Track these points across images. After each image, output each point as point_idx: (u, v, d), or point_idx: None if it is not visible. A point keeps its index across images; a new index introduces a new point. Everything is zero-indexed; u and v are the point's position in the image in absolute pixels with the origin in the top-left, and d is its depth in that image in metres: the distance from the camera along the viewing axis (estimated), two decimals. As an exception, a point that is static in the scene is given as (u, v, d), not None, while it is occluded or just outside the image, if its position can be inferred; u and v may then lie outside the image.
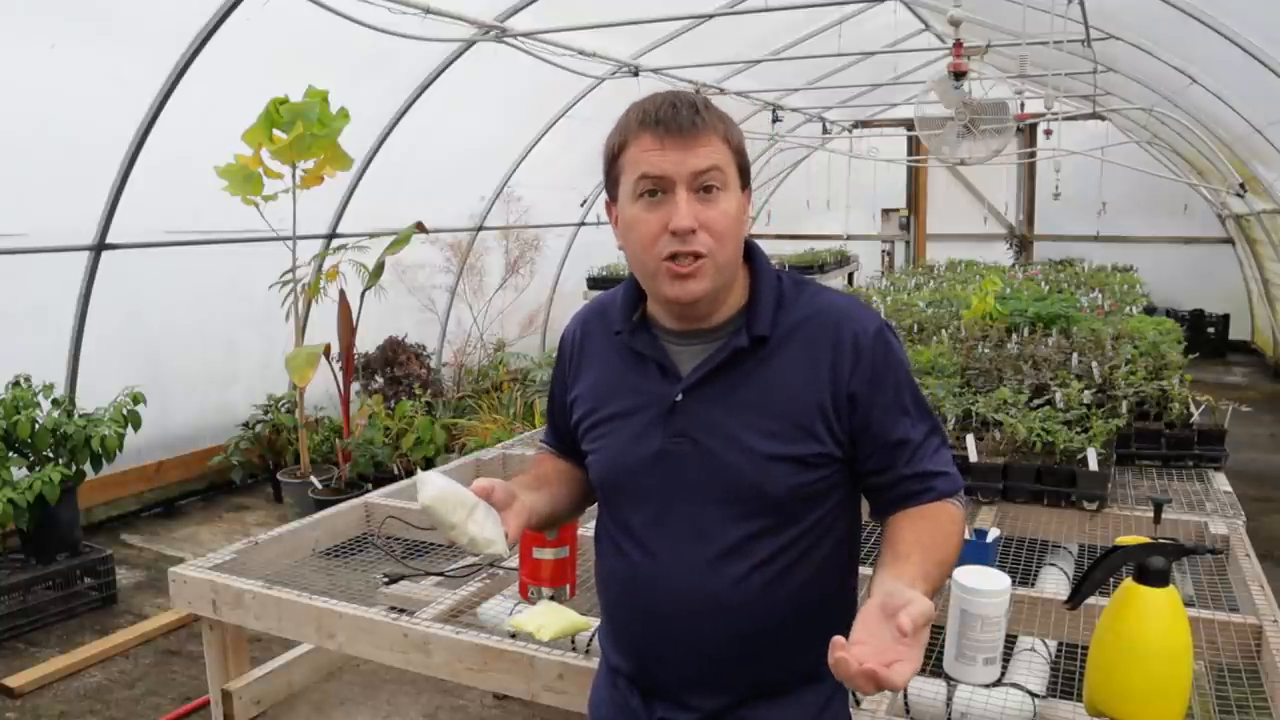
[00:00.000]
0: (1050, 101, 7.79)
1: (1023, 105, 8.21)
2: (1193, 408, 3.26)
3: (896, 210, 13.25)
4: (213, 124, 4.90)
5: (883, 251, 13.37)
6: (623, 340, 1.45)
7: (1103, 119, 10.14)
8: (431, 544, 2.90)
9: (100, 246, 5.06)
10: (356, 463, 5.25)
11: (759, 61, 7.79)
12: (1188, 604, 2.01)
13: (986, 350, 4.06)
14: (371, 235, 5.58)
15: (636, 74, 6.80)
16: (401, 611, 2.33)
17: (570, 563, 2.30)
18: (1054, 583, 2.61)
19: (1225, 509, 2.80)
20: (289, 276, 5.12)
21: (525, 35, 5.62)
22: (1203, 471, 3.19)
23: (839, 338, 1.37)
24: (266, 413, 5.98)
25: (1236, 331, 10.96)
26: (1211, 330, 10.86)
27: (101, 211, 4.99)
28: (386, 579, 2.62)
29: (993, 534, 2.35)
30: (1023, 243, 12.41)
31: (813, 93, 9.87)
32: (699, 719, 1.43)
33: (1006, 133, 7.14)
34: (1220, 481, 3.09)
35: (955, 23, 5.01)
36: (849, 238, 12.76)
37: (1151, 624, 1.57)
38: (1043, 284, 7.14)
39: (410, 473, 5.00)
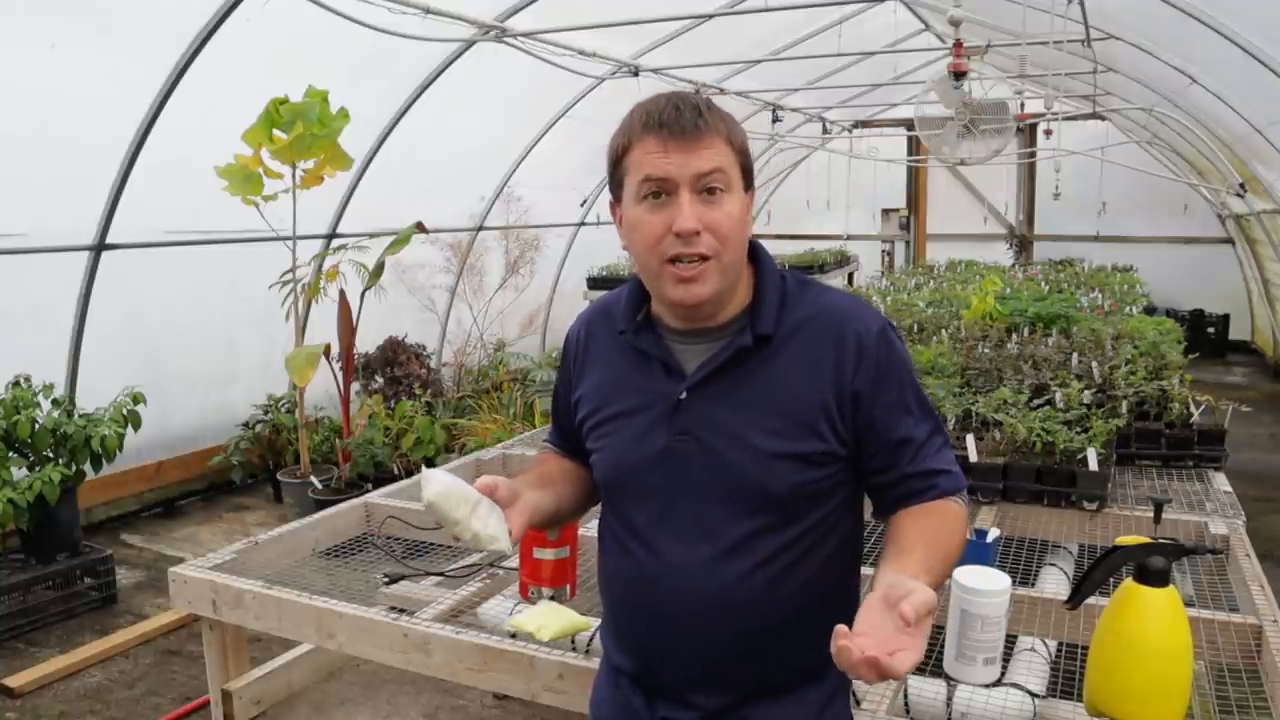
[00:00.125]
0: (1050, 101, 7.79)
1: (1023, 105, 8.21)
2: (1193, 408, 3.26)
3: (896, 210, 13.25)
4: (213, 124, 4.90)
5: (883, 251, 13.37)
6: (627, 339, 1.46)
7: (1103, 119, 10.14)
8: (431, 544, 2.90)
9: (100, 246, 5.06)
10: (356, 463, 5.25)
11: (759, 61, 7.79)
12: (1188, 604, 2.01)
13: (986, 350, 4.06)
14: (371, 235, 5.58)
15: (636, 74, 6.79)
16: (401, 611, 2.32)
17: (571, 563, 2.30)
18: (1054, 583, 2.61)
19: (1225, 509, 2.80)
20: (289, 276, 5.12)
21: (525, 35, 5.62)
22: (1203, 471, 3.18)
23: (842, 337, 1.37)
24: (266, 413, 5.98)
25: (1236, 331, 10.96)
26: (1211, 330, 10.86)
27: (101, 211, 4.99)
28: (386, 579, 2.62)
29: (993, 534, 2.35)
30: (1023, 243, 12.41)
31: (813, 93, 9.87)
32: (701, 717, 1.43)
33: (1006, 133, 7.14)
34: (1220, 481, 3.08)
35: (955, 23, 5.01)
36: (849, 238, 12.76)
37: (1151, 624, 1.57)
38: (1043, 284, 7.14)
39: (410, 473, 5.00)
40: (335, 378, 5.39)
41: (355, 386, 5.95)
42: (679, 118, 1.29)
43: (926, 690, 1.90)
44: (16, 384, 4.29)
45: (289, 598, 2.38)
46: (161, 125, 4.88)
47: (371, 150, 6.32)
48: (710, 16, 6.79)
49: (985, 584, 1.82)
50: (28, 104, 4.42)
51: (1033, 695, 1.87)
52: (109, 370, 5.03)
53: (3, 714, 3.45)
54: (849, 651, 1.05)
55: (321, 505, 3.85)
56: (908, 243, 13.23)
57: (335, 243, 5.95)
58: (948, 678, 1.90)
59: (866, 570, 1.56)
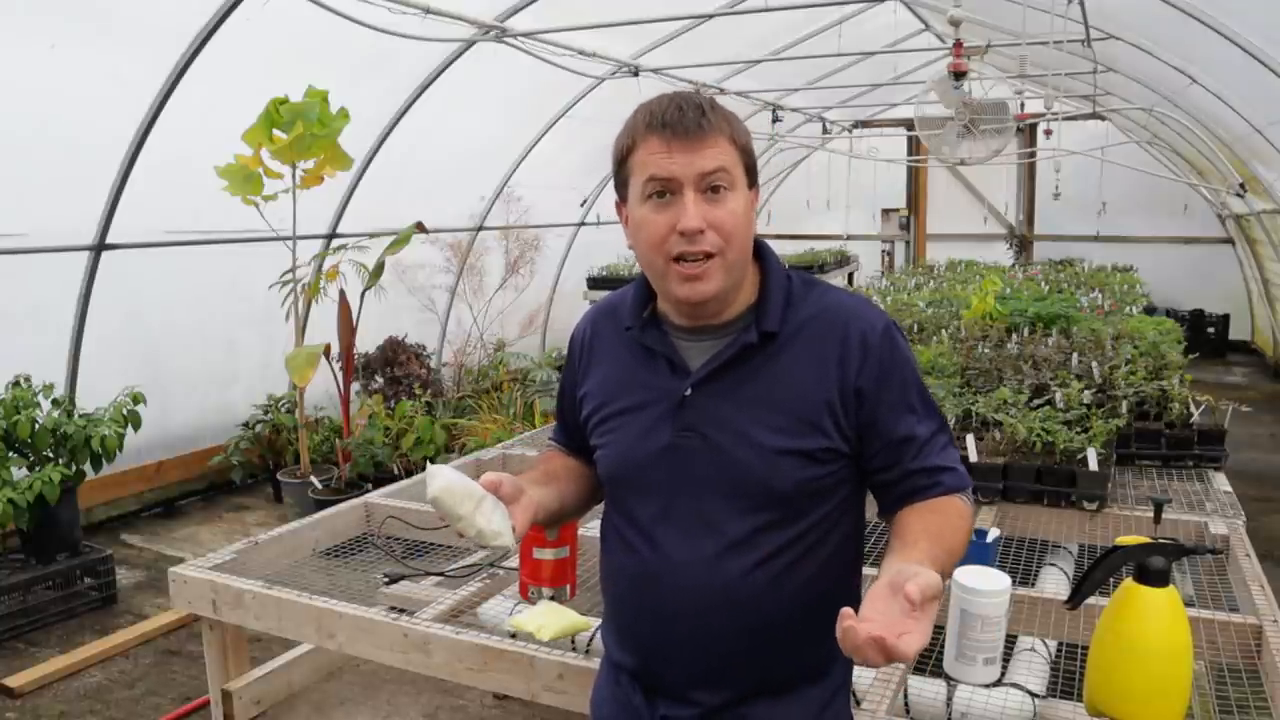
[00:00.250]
0: (1050, 101, 7.79)
1: (1023, 105, 8.21)
2: (1193, 408, 3.26)
3: (896, 210, 13.25)
4: (213, 124, 4.90)
5: (883, 251, 13.37)
6: (633, 336, 1.47)
7: (1103, 119, 10.14)
8: (432, 544, 2.90)
9: (100, 246, 5.06)
10: (356, 463, 5.25)
11: (759, 61, 7.79)
12: (1188, 604, 2.01)
13: (986, 350, 4.06)
14: (371, 235, 5.58)
15: (636, 74, 6.79)
16: (401, 611, 2.32)
17: (570, 563, 2.30)
18: (1054, 583, 2.61)
19: (1225, 509, 2.80)
20: (289, 276, 5.12)
21: (525, 35, 5.62)
22: (1203, 471, 3.18)
23: (847, 335, 1.38)
24: (266, 413, 5.98)
25: (1236, 331, 10.96)
26: (1211, 330, 10.86)
27: (101, 211, 4.99)
28: (386, 579, 2.62)
29: (993, 534, 2.35)
30: (1023, 243, 12.41)
31: (813, 93, 9.87)
32: (701, 714, 1.44)
33: (1006, 133, 7.14)
34: (1220, 481, 3.08)
35: (955, 23, 5.01)
36: (849, 238, 12.76)
37: (1151, 624, 1.57)
38: (1043, 284, 7.14)
39: (410, 473, 5.01)
40: (335, 378, 5.39)
41: (355, 386, 5.95)
42: (682, 118, 1.30)
43: (926, 690, 1.90)
44: (16, 384, 4.29)
45: (289, 598, 2.38)
46: (161, 125, 4.88)
47: (371, 150, 6.32)
48: (710, 16, 6.79)
49: (985, 584, 1.82)
50: (28, 104, 4.42)
51: (1033, 695, 1.87)
52: (109, 370, 5.03)
53: (3, 714, 3.45)
54: (855, 632, 1.05)
55: (321, 505, 3.85)
56: (908, 243, 13.23)
57: (335, 243, 5.95)
58: (948, 678, 1.90)
59: (869, 570, 1.56)
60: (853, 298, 1.47)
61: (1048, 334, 4.44)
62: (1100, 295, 6.52)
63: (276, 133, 4.67)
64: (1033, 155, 10.99)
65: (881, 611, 1.09)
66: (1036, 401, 3.23)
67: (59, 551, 4.26)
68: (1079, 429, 2.97)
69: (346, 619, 2.28)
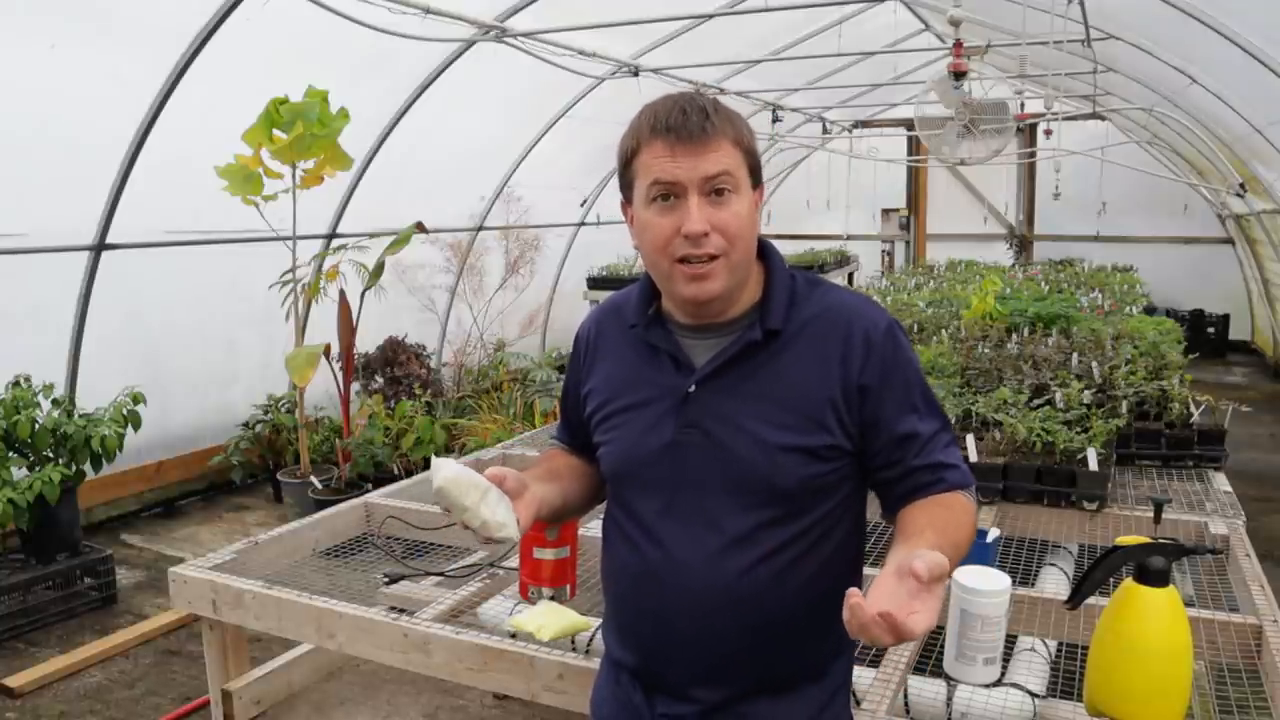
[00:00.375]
0: (1050, 101, 7.79)
1: (1023, 105, 8.21)
2: (1193, 408, 3.26)
3: (896, 210, 13.25)
4: (213, 124, 4.90)
5: (883, 251, 13.37)
6: (637, 334, 1.48)
7: (1103, 119, 10.14)
8: (432, 544, 2.90)
9: (100, 246, 5.06)
10: (356, 463, 5.25)
11: (759, 61, 7.79)
12: (1188, 604, 2.01)
13: (986, 350, 4.06)
14: (371, 235, 5.58)
15: (636, 74, 6.79)
16: (401, 611, 2.32)
17: (570, 563, 2.30)
18: (1054, 583, 2.61)
19: (1225, 509, 2.79)
20: (289, 276, 5.12)
21: (525, 35, 5.62)
22: (1203, 471, 3.18)
23: (850, 333, 1.39)
24: (266, 413, 5.98)
25: (1236, 331, 10.96)
26: (1211, 330, 10.86)
27: (101, 211, 4.99)
28: (386, 579, 2.62)
29: (993, 534, 2.35)
30: (1023, 243, 12.41)
31: (813, 93, 9.87)
32: (700, 712, 1.44)
33: (1006, 133, 7.14)
34: (1220, 481, 3.08)
35: (955, 23, 5.01)
36: (849, 238, 12.76)
37: (1151, 624, 1.57)
38: (1043, 284, 7.14)
39: (410, 473, 5.01)
40: (335, 378, 5.39)
41: (355, 386, 5.95)
42: (686, 121, 1.31)
43: (926, 690, 1.90)
44: (16, 384, 4.29)
45: (289, 598, 2.38)
46: (161, 125, 4.88)
47: (371, 150, 6.32)
48: (710, 16, 6.79)
49: (985, 584, 1.82)
50: (28, 104, 4.42)
51: (1033, 695, 1.87)
52: (109, 370, 5.03)
53: (3, 714, 3.45)
54: (862, 610, 1.05)
55: (321, 505, 3.85)
56: (908, 243, 13.23)
57: (335, 243, 5.95)
58: (948, 678, 1.90)
59: (870, 570, 1.56)
60: (856, 297, 1.48)
61: (1048, 334, 4.44)
62: (1100, 295, 6.52)
63: (276, 133, 4.67)
64: (1033, 155, 10.99)
65: (889, 593, 1.09)
66: (1036, 401, 3.23)
67: (59, 551, 4.26)
68: (1079, 429, 2.97)
69: (346, 619, 2.28)
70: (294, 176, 4.85)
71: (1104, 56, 6.64)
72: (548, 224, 8.45)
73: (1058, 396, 3.23)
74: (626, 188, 1.41)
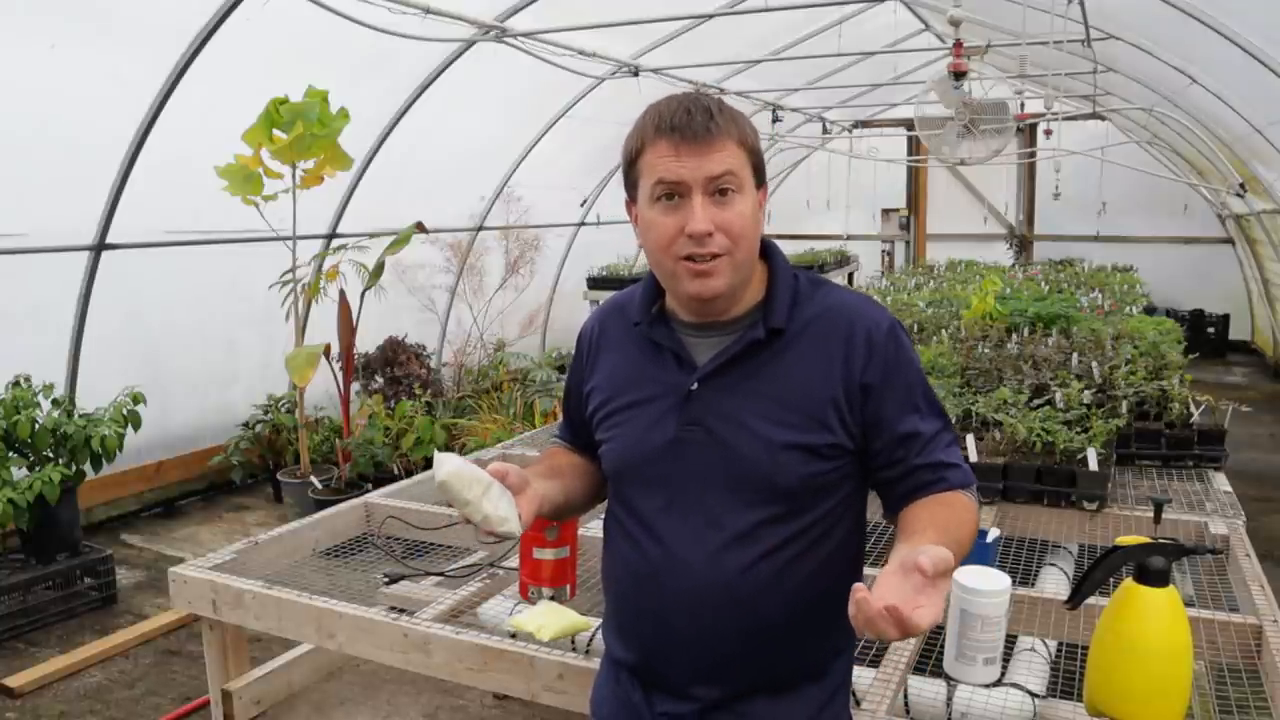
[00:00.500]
0: (1050, 101, 7.79)
1: (1023, 105, 8.21)
2: (1193, 408, 3.26)
3: (896, 210, 13.25)
4: (213, 124, 4.90)
5: (883, 251, 13.37)
6: (641, 331, 1.48)
7: (1103, 119, 10.14)
8: (432, 544, 2.90)
9: (100, 246, 5.06)
10: (356, 463, 5.25)
11: (759, 61, 7.79)
12: (1188, 604, 2.01)
13: (986, 350, 4.06)
14: (371, 235, 5.58)
15: (636, 74, 6.79)
16: (401, 611, 2.32)
17: (570, 563, 2.30)
18: (1054, 583, 2.61)
19: (1225, 509, 2.80)
20: (289, 276, 5.12)
21: (525, 35, 5.62)
22: (1203, 471, 3.18)
23: (852, 332, 1.40)
24: (266, 413, 5.98)
25: (1236, 331, 10.96)
26: (1211, 330, 10.86)
27: (101, 211, 4.99)
28: (386, 579, 2.62)
29: (993, 534, 2.35)
30: (1023, 243, 12.41)
31: (813, 93, 9.87)
32: (700, 710, 1.44)
33: (1006, 133, 7.14)
34: (1220, 481, 3.08)
35: (955, 23, 5.01)
36: (849, 238, 12.76)
37: (1151, 624, 1.57)
38: (1043, 284, 7.14)
39: (410, 473, 5.01)
40: (335, 378, 5.39)
41: (355, 386, 5.95)
42: (690, 121, 1.31)
43: (926, 690, 1.90)
44: (16, 384, 4.29)
45: (289, 598, 2.38)
46: (161, 125, 4.88)
47: (371, 150, 6.32)
48: (710, 16, 6.79)
49: (985, 584, 1.82)
50: (28, 104, 4.42)
51: (1033, 695, 1.87)
52: (109, 370, 5.03)
53: (3, 714, 3.45)
54: (868, 604, 1.05)
55: (321, 505, 3.85)
56: (908, 243, 13.23)
57: (335, 243, 5.95)
58: (948, 678, 1.90)
59: (871, 570, 1.56)
60: (859, 297, 1.49)
61: (1048, 334, 4.44)
62: (1100, 295, 6.52)
63: (276, 133, 4.67)
64: (1033, 155, 10.99)
65: (894, 587, 1.09)
66: (1036, 401, 3.23)
67: (59, 551, 4.26)
68: (1079, 429, 2.97)
69: (346, 619, 2.28)
70: (294, 176, 4.85)
71: (1104, 56, 6.64)
72: (548, 224, 8.45)
73: (1058, 396, 3.23)
74: (631, 187, 1.41)
